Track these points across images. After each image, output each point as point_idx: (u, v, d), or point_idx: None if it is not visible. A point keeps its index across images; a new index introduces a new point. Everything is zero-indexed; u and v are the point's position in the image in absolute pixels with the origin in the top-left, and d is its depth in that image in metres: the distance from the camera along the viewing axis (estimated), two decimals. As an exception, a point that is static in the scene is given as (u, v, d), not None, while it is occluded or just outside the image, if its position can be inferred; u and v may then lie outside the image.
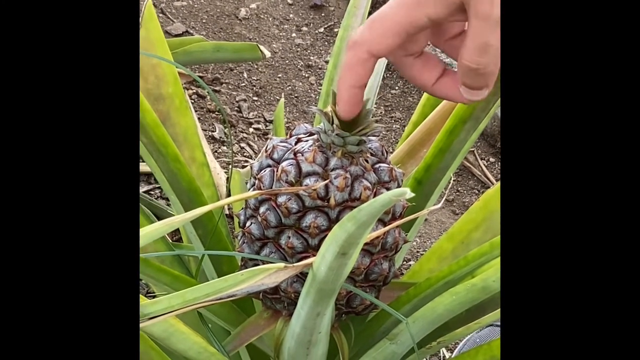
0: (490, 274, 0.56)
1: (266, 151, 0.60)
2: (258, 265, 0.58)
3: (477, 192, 1.52)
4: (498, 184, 0.75)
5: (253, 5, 1.85)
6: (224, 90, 1.62)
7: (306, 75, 1.72)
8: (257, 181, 0.60)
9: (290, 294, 0.60)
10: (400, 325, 0.64)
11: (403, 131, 1.60)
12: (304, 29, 1.84)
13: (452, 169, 0.70)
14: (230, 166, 1.39)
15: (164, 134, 0.68)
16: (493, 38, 0.49)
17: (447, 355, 1.15)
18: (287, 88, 1.67)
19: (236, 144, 1.48)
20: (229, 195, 1.11)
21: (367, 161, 0.59)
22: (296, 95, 1.66)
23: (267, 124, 1.56)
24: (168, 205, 1.25)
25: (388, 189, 0.59)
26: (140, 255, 0.64)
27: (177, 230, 1.09)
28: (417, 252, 1.37)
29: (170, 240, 0.81)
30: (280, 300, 0.63)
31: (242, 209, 0.63)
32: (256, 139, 1.53)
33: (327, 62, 1.76)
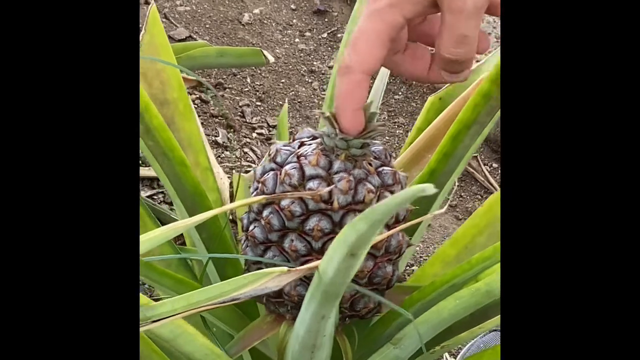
0: (494, 278, 0.56)
1: (269, 155, 0.60)
2: (262, 269, 0.58)
3: (480, 197, 1.51)
4: (501, 189, 0.75)
5: (256, 11, 1.86)
6: (227, 95, 1.62)
7: (309, 81, 1.72)
8: (260, 185, 0.60)
9: (294, 297, 0.60)
10: (404, 329, 0.64)
11: (406, 136, 1.61)
12: (307, 34, 1.84)
13: (457, 174, 0.70)
14: (233, 171, 1.39)
15: (170, 137, 0.68)
16: (469, 29, 0.50)
17: (450, 360, 1.15)
18: (291, 93, 1.67)
19: (239, 149, 1.49)
20: (232, 199, 1.11)
21: (370, 164, 0.59)
22: (299, 100, 1.66)
23: (270, 129, 1.57)
24: (171, 209, 1.25)
25: (392, 192, 0.59)
26: (145, 259, 0.64)
27: (181, 233, 1.09)
28: (420, 257, 1.37)
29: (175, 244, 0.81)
30: (283, 304, 0.63)
31: (246, 212, 0.63)
32: (259, 144, 1.53)
33: (330, 67, 1.76)
